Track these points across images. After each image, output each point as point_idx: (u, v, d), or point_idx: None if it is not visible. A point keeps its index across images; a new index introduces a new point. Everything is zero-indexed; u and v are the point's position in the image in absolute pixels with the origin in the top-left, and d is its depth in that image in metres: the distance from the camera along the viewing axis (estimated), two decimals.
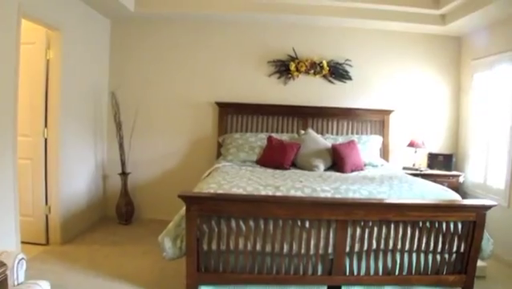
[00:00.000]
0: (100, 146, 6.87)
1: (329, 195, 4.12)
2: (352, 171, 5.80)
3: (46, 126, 5.48)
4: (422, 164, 6.96)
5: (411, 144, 6.78)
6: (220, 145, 6.69)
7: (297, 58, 6.93)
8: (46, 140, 5.50)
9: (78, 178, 6.17)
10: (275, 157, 5.92)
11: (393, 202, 3.97)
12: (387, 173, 5.47)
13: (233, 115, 6.94)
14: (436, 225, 3.99)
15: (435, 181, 5.59)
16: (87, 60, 6.33)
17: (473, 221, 3.97)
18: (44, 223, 5.57)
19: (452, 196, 4.39)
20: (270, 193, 4.09)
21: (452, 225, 4.01)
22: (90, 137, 6.53)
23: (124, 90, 6.87)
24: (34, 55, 5.39)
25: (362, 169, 5.93)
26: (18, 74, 4.45)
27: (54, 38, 5.45)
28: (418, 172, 6.47)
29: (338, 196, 4.12)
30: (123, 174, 6.72)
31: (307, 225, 3.87)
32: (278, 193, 4.10)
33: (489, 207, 3.97)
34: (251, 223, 3.85)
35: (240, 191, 4.13)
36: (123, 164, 6.71)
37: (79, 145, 6.20)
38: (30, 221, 5.43)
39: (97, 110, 6.71)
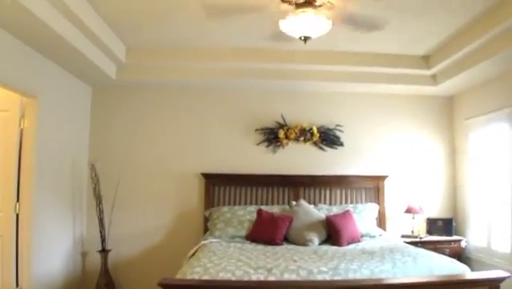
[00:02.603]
0: (79, 221, 6.57)
1: (327, 277, 3.81)
2: (349, 243, 5.59)
3: (18, 200, 5.14)
4: (421, 230, 6.77)
5: (408, 211, 6.63)
6: (207, 219, 6.43)
7: (286, 125, 6.82)
8: (17, 215, 5.16)
9: (53, 256, 5.81)
10: (266, 232, 5.69)
11: (400, 282, 3.65)
12: (386, 245, 5.29)
13: (220, 186, 6.73)
14: None
15: (436, 248, 5.67)
16: (66, 129, 6.13)
17: None
18: None
19: (461, 269, 4.16)
20: (262, 278, 3.75)
21: None
22: (67, 212, 6.25)
23: (105, 161, 6.68)
24: (7, 124, 5.16)
25: (359, 241, 5.74)
26: None
27: (29, 105, 5.22)
28: (418, 239, 6.31)
29: (337, 278, 3.81)
30: (104, 251, 6.39)
31: None
32: (271, 278, 3.76)
33: (502, 279, 3.71)
34: None
35: (228, 276, 3.77)
36: (103, 240, 6.40)
37: (56, 221, 5.88)
38: None
39: (76, 183, 6.47)
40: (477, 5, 4.48)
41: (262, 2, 4.07)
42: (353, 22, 4.12)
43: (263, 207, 6.22)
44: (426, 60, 6.22)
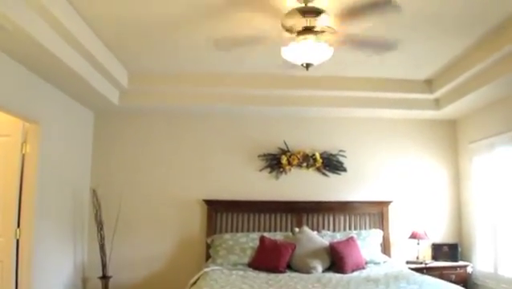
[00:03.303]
0: (80, 247, 6.51)
1: None
2: (353, 271, 5.54)
3: (18, 226, 5.09)
4: (426, 256, 6.66)
5: (413, 236, 6.56)
6: (209, 246, 6.37)
7: (288, 151, 6.80)
8: (18, 241, 5.10)
9: (54, 282, 5.73)
10: (269, 260, 5.66)
11: None
12: (391, 272, 5.25)
13: (222, 213, 6.68)
14: None
15: (441, 274, 5.67)
16: (68, 154, 6.11)
17: None
18: None
19: None
20: None
21: None
22: (68, 238, 6.19)
23: (107, 186, 6.62)
24: (9, 149, 5.13)
25: (363, 268, 5.69)
26: None
27: (31, 130, 5.20)
28: (423, 265, 6.24)
29: None
30: (105, 278, 6.31)
31: None
32: None
33: None
34: None
35: None
36: (104, 266, 6.32)
37: (56, 246, 5.81)
38: None
39: (77, 208, 6.42)
40: (478, 29, 4.48)
41: (266, 32, 4.08)
42: (356, 45, 4.10)
43: (266, 234, 6.19)
44: (429, 84, 6.21)
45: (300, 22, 3.65)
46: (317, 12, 3.60)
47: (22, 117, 5.03)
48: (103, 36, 4.83)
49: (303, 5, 3.66)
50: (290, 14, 3.65)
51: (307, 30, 3.68)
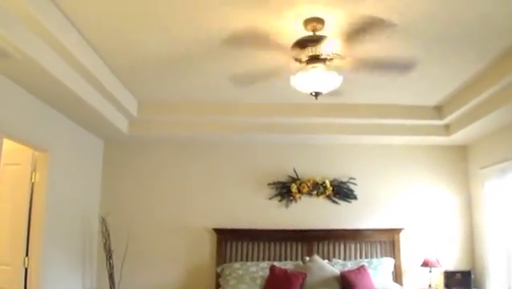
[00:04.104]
0: (89, 276, 6.49)
1: None
2: None
3: (27, 254, 5.08)
4: (439, 284, 6.60)
5: (425, 264, 6.48)
6: (219, 276, 6.35)
7: (298, 179, 6.80)
8: (26, 269, 5.08)
9: None
10: None
11: None
12: None
13: (232, 242, 6.66)
14: None
15: None
16: (77, 183, 6.12)
17: None
18: None
19: None
20: None
21: None
22: (77, 267, 6.17)
23: (116, 215, 6.62)
24: (19, 178, 5.14)
25: None
26: None
27: (41, 159, 5.23)
28: None
29: None
30: None
31: None
32: None
33: None
34: None
35: None
36: None
37: (65, 275, 5.80)
38: None
39: (86, 237, 6.42)
40: (488, 54, 4.46)
41: (278, 63, 4.15)
42: (370, 68, 4.10)
43: (276, 263, 6.17)
44: (439, 110, 6.19)
45: (305, 52, 3.67)
46: (316, 40, 3.61)
47: (32, 146, 5.06)
48: (114, 66, 4.88)
49: (304, 35, 3.67)
50: (294, 46, 3.68)
51: (314, 58, 3.68)
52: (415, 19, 3.64)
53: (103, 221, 6.40)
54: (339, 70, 3.89)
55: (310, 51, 3.65)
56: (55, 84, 4.33)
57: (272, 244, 6.64)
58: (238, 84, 4.56)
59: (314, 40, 3.61)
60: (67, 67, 4.30)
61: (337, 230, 6.68)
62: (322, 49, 3.63)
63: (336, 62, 3.87)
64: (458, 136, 6.49)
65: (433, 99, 5.95)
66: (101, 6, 3.52)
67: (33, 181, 5.19)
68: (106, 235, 6.35)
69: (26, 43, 3.56)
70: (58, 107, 5.19)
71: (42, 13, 3.33)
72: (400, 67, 4.15)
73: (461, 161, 7.07)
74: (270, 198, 6.82)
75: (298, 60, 3.76)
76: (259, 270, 6.08)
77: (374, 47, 4.09)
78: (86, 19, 3.78)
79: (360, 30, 3.68)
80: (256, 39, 3.97)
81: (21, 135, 4.72)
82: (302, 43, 3.64)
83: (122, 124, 6.17)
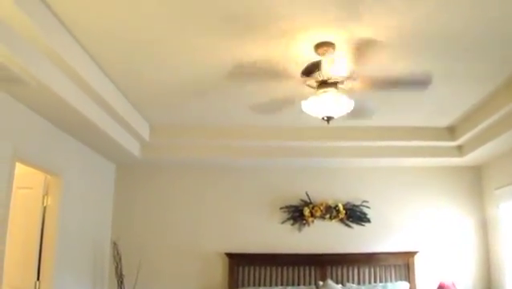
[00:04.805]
0: None
1: None
2: None
3: (38, 278, 5.05)
4: None
5: (440, 287, 6.35)
6: None
7: (311, 202, 6.78)
8: None
9: None
10: None
11: None
12: None
13: (244, 266, 6.62)
14: None
15: None
16: (89, 206, 6.13)
17: None
18: None
19: None
20: None
21: None
22: None
23: (128, 239, 6.63)
24: (31, 201, 5.15)
25: None
26: (6, 222, 4.12)
27: (53, 183, 5.24)
28: None
29: None
30: None
31: None
32: None
33: None
34: None
35: None
36: None
37: None
38: None
39: (97, 261, 6.40)
40: (500, 74, 4.42)
41: (291, 91, 4.20)
42: (384, 86, 4.07)
43: (289, 288, 6.14)
44: (451, 131, 6.16)
45: (314, 77, 3.66)
46: (315, 65, 3.58)
47: (44, 170, 5.08)
48: (126, 91, 4.93)
49: (306, 65, 3.66)
50: (301, 75, 3.69)
51: (324, 83, 3.67)
52: (427, 37, 3.62)
53: (115, 246, 6.39)
54: (351, 91, 3.88)
55: (318, 76, 3.64)
56: (68, 109, 4.35)
57: (285, 268, 6.59)
58: (258, 113, 4.62)
59: (314, 65, 3.58)
60: (79, 92, 4.33)
61: (351, 254, 6.63)
62: (329, 73, 3.60)
63: (348, 83, 3.85)
64: (472, 157, 6.43)
65: (445, 120, 5.93)
66: (113, 33, 3.58)
67: (45, 204, 5.20)
68: (117, 259, 6.34)
69: (40, 70, 3.59)
70: (70, 131, 5.23)
71: (55, 40, 3.38)
72: (418, 83, 4.10)
73: (475, 182, 6.99)
74: (283, 222, 6.79)
75: (311, 86, 3.75)
76: None
77: (385, 67, 4.08)
78: (99, 46, 3.84)
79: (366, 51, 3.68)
80: (268, 69, 4.01)
81: (33, 159, 4.74)
82: (305, 71, 3.63)
83: (134, 148, 6.20)
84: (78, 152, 5.74)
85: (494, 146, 5.84)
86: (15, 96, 4.06)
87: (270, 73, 4.10)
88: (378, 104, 4.80)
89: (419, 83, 4.07)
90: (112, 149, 6.02)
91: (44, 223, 5.18)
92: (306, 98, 3.82)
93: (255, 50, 3.82)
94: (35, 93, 3.92)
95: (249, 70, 4.10)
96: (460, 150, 6.43)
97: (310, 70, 3.61)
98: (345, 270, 6.59)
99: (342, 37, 3.59)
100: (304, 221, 6.74)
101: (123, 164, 6.89)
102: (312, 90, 3.81)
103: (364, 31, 3.51)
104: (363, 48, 3.74)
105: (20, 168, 4.46)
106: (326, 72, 3.58)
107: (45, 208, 5.19)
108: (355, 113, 4.13)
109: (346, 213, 6.71)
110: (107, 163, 6.69)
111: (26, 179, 5.01)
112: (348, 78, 3.76)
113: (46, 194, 5.20)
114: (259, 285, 6.50)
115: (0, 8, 2.80)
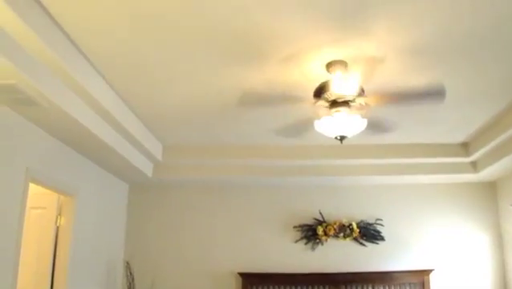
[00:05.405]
0: None
1: None
2: None
3: None
4: None
5: None
6: None
7: (324, 221, 6.76)
8: None
9: None
10: None
11: None
12: None
13: (257, 286, 6.59)
14: None
15: None
16: (102, 226, 6.13)
17: None
18: None
19: None
20: None
21: None
22: None
23: (140, 258, 6.67)
24: (44, 221, 5.14)
25: None
26: (19, 242, 4.11)
27: (66, 203, 5.24)
28: None
29: None
30: None
31: None
32: None
33: None
34: None
35: None
36: None
37: None
38: None
39: (110, 281, 6.37)
40: None
41: (304, 113, 4.22)
42: (399, 100, 4.03)
43: None
44: (465, 148, 6.14)
45: (325, 98, 3.66)
46: (323, 87, 3.59)
47: (57, 191, 5.08)
48: (138, 111, 4.96)
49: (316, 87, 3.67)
50: (313, 97, 3.70)
51: (336, 102, 3.67)
52: (439, 52, 3.60)
53: (128, 265, 6.39)
54: (365, 108, 3.88)
55: (328, 97, 3.63)
56: (81, 130, 4.37)
57: (299, 288, 6.55)
58: (281, 135, 4.68)
59: (322, 87, 3.59)
60: (92, 113, 4.36)
61: (365, 273, 6.58)
62: (339, 92, 3.59)
63: (360, 100, 3.82)
64: (486, 173, 6.38)
65: (459, 137, 5.90)
66: (127, 56, 3.63)
67: (58, 224, 5.20)
68: (130, 279, 6.32)
69: (53, 91, 3.60)
70: (83, 152, 5.25)
71: (68, 63, 3.41)
72: (433, 93, 4.04)
73: (490, 198, 6.93)
74: (296, 241, 6.76)
75: (323, 107, 3.75)
76: None
77: (396, 83, 4.03)
78: (112, 69, 3.88)
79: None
80: (281, 92, 4.08)
81: (47, 180, 4.74)
82: (315, 93, 3.64)
83: (147, 168, 6.22)
84: (91, 172, 5.75)
85: (509, 161, 5.79)
86: (28, 117, 4.09)
87: (284, 96, 4.12)
88: (392, 121, 4.77)
89: (435, 93, 4.01)
90: (125, 169, 6.04)
91: (57, 243, 5.17)
92: (320, 118, 3.83)
93: (266, 74, 3.86)
94: (48, 114, 3.95)
95: (263, 93, 4.13)
96: (474, 166, 6.39)
97: (319, 91, 3.62)
98: None
99: (351, 54, 3.58)
100: (318, 240, 6.71)
101: (136, 184, 6.91)
102: (326, 110, 3.81)
103: (374, 48, 3.50)
104: (373, 65, 3.74)
105: (33, 188, 4.47)
106: (335, 92, 3.58)
107: (58, 228, 5.19)
108: (370, 130, 4.13)
109: (360, 232, 6.67)
110: (120, 183, 6.71)
111: (40, 199, 5.00)
112: (359, 95, 3.74)
113: (59, 214, 5.21)
114: None
115: (14, 31, 2.83)
